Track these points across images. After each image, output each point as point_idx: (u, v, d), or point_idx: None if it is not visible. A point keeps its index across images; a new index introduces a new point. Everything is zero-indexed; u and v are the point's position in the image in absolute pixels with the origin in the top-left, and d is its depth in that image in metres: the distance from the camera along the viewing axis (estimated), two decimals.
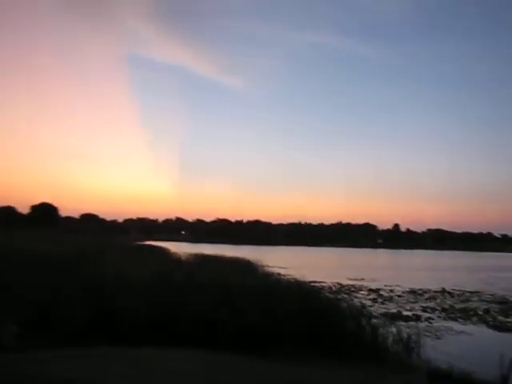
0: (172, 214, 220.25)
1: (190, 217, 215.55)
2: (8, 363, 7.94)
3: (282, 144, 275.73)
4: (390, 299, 25.20)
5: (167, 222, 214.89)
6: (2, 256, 20.15)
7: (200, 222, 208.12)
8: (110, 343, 9.71)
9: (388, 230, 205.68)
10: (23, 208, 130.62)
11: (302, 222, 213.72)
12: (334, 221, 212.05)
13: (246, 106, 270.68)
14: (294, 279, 18.51)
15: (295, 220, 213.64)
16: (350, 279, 36.74)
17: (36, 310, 11.22)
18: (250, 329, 10.16)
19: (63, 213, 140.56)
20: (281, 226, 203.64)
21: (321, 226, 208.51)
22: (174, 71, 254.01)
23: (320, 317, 10.93)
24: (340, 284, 32.25)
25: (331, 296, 16.03)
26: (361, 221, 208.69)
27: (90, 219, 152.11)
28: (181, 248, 49.14)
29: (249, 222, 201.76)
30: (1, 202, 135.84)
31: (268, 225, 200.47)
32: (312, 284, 22.49)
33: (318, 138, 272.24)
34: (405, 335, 10.87)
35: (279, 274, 24.88)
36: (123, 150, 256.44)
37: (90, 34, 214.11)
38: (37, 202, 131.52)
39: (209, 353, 9.40)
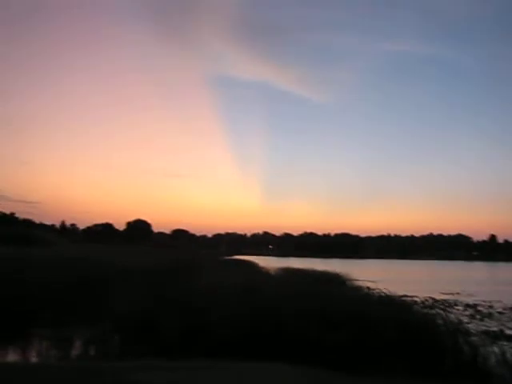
0: (259, 229, 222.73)
1: (278, 231, 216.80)
2: (98, 371, 8.38)
3: (369, 155, 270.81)
4: (490, 316, 23.73)
5: (255, 236, 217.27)
6: (107, 270, 21.40)
7: (287, 236, 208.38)
8: (202, 355, 9.93)
9: (484, 242, 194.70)
10: (120, 225, 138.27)
11: (391, 234, 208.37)
12: (424, 232, 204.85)
13: (330, 119, 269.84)
14: (385, 293, 17.99)
15: (384, 232, 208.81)
16: (444, 293, 35.11)
17: (138, 321, 11.79)
18: (343, 344, 9.99)
19: (156, 228, 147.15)
20: (369, 238, 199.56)
21: (411, 238, 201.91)
22: (258, 88, 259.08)
23: (413, 333, 10.53)
24: (433, 299, 30.89)
25: (424, 311, 15.40)
26: (453, 232, 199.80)
27: (180, 234, 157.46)
28: (269, 262, 49.47)
29: (336, 235, 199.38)
30: (100, 219, 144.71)
31: (356, 238, 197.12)
32: (403, 298, 21.76)
33: (407, 147, 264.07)
34: (510, 356, 10.13)
35: (369, 288, 24.30)
36: (211, 167, 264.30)
37: (175, 56, 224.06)
38: (132, 218, 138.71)
39: (295, 368, 9.33)
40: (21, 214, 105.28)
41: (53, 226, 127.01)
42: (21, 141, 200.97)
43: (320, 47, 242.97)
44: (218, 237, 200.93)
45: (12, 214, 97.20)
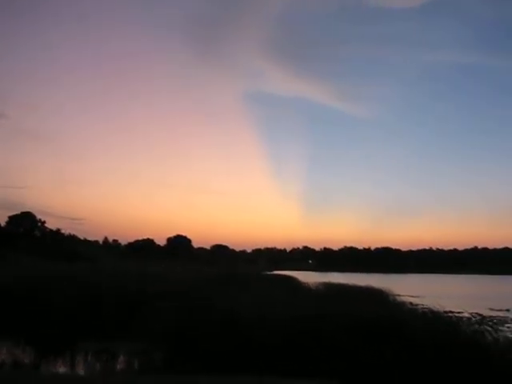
0: (299, 243, 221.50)
1: (317, 245, 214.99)
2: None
3: (409, 170, 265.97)
4: None
5: (294, 251, 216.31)
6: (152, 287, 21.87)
7: (327, 251, 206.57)
8: (242, 372, 9.89)
9: None
10: (160, 240, 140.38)
11: (434, 247, 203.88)
12: (469, 246, 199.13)
13: (369, 133, 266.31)
14: (429, 309, 17.54)
15: (426, 246, 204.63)
16: (493, 310, 33.96)
17: (179, 337, 11.88)
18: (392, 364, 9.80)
19: (196, 244, 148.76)
20: (411, 252, 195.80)
21: (455, 252, 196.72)
22: (296, 103, 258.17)
23: (462, 351, 10.20)
24: (480, 315, 29.90)
25: (473, 328, 14.90)
26: (499, 245, 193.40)
27: (220, 249, 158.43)
28: (309, 277, 48.97)
29: (377, 250, 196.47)
30: (141, 235, 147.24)
31: (397, 252, 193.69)
32: (449, 314, 21.15)
33: (450, 160, 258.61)
34: None
35: (412, 304, 23.78)
36: (250, 183, 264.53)
37: (213, 74, 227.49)
38: (172, 234, 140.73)
39: None
40: (66, 230, 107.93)
41: (96, 241, 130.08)
42: (67, 159, 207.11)
43: (360, 60, 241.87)
44: (257, 252, 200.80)
45: (58, 230, 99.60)
